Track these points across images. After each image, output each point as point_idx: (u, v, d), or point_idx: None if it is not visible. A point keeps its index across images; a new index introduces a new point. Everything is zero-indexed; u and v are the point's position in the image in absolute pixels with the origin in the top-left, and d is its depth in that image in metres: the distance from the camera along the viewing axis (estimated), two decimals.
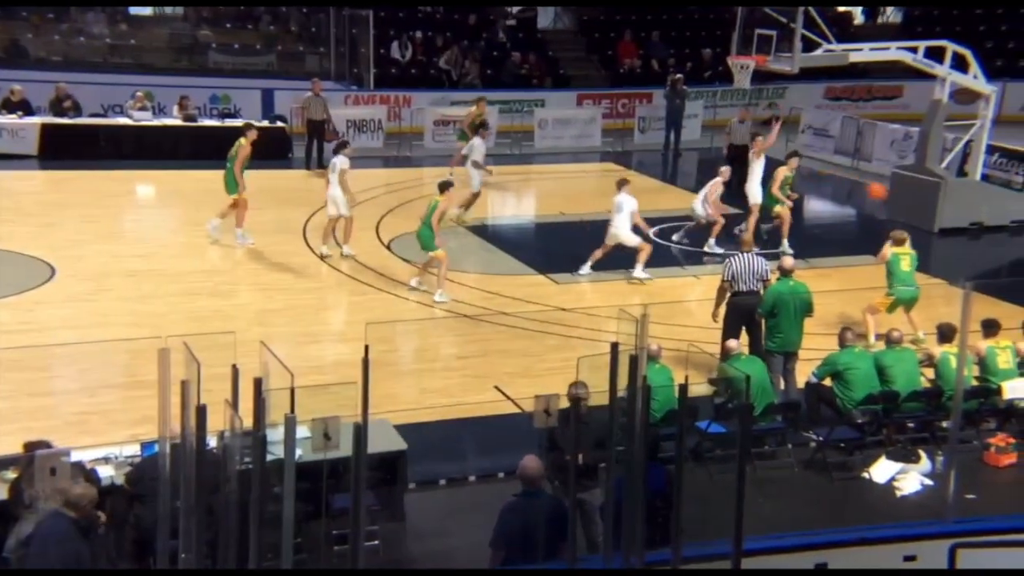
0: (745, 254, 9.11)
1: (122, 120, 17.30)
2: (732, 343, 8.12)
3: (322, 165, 16.63)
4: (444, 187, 11.01)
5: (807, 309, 8.65)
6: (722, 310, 9.05)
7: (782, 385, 8.44)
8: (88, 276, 11.23)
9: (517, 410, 8.24)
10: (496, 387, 8.80)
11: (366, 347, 4.91)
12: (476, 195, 14.10)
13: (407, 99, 20.09)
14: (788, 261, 9.02)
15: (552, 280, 11.90)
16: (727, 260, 9.21)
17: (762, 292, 8.84)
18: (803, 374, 8.51)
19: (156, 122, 17.34)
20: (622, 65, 22.80)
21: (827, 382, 8.06)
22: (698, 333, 9.04)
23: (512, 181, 17.68)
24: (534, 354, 9.56)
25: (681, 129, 19.61)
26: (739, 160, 16.44)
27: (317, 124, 16.98)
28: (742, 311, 8.91)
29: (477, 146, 13.99)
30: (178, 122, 17.30)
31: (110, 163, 16.15)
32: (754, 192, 13.07)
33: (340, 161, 12.07)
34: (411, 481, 6.85)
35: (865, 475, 7.33)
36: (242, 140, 12.43)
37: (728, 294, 9.04)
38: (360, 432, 4.41)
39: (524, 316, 10.45)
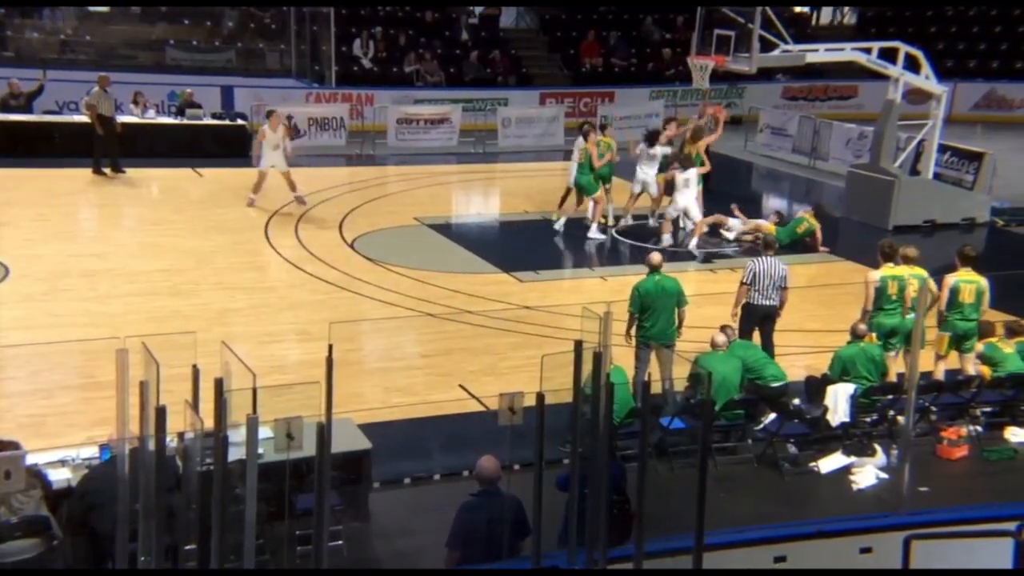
0: (768, 257, 8.96)
1: (78, 117, 16.98)
2: (720, 337, 8.02)
3: None
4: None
5: (678, 302, 8.46)
6: (739, 310, 8.97)
7: (657, 376, 8.32)
8: (43, 276, 11.01)
9: (482, 408, 8.26)
10: (461, 385, 8.81)
11: (330, 346, 4.89)
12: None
13: (369, 97, 19.99)
14: (655, 257, 8.66)
15: (516, 278, 11.95)
16: (749, 262, 9.11)
17: (778, 299, 8.89)
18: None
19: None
20: (584, 64, 22.93)
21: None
22: None
23: (476, 179, 17.70)
24: (498, 352, 9.59)
25: None
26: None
27: None
28: (757, 314, 8.90)
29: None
30: (136, 119, 17.02)
31: (65, 161, 15.85)
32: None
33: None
34: (376, 480, 6.83)
35: (813, 465, 7.49)
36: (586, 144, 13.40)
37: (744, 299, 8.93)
38: (324, 432, 4.40)
39: (488, 314, 10.47)
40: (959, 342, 8.75)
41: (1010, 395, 8.36)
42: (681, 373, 8.17)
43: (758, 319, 8.97)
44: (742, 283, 8.97)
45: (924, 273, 8.79)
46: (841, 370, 8.03)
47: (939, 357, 8.69)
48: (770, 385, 7.99)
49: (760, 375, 8.01)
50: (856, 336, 8.18)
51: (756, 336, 9.02)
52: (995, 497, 7.18)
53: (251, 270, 11.75)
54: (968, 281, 8.72)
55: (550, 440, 5.20)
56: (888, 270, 8.73)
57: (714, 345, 8.00)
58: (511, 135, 19.61)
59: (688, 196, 13.23)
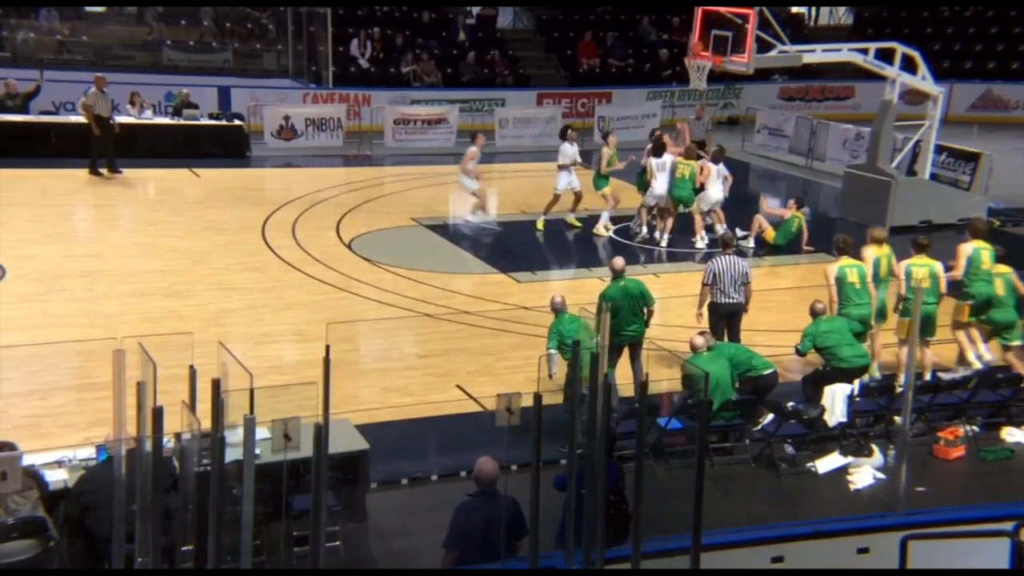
0: (727, 256, 9.05)
1: (74, 118, 16.96)
2: (698, 339, 8.09)
3: None
4: None
5: (644, 302, 8.60)
6: (704, 310, 9.10)
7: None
8: (39, 277, 10.99)
9: (479, 408, 8.26)
10: (458, 386, 8.81)
11: (327, 347, 4.89)
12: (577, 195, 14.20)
13: (366, 97, 19.99)
14: (618, 262, 8.84)
15: (513, 279, 11.94)
16: (709, 261, 9.20)
17: (742, 296, 8.98)
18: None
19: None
20: (581, 65, 22.94)
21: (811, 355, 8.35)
22: (654, 331, 9.12)
23: None
24: (495, 352, 9.59)
25: None
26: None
27: None
28: (723, 312, 8.99)
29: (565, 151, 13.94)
30: (132, 119, 17.00)
31: (62, 161, 15.82)
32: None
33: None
34: (373, 481, 6.83)
35: (810, 466, 7.49)
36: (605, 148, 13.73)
37: (709, 298, 9.02)
38: (320, 432, 4.39)
39: (486, 315, 10.46)
40: (921, 327, 8.85)
41: (1007, 395, 8.38)
42: (673, 375, 8.17)
43: (724, 317, 9.04)
44: (704, 284, 9.06)
45: (889, 251, 9.04)
46: (812, 346, 8.19)
47: (902, 342, 8.78)
48: (763, 374, 8.05)
49: (750, 366, 8.05)
50: (815, 313, 8.35)
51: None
52: (992, 497, 7.19)
53: (248, 271, 11.74)
54: (920, 266, 8.89)
55: (547, 440, 5.20)
56: (845, 262, 8.86)
57: (694, 348, 7.99)
58: (508, 135, 19.62)
59: (662, 183, 13.13)
